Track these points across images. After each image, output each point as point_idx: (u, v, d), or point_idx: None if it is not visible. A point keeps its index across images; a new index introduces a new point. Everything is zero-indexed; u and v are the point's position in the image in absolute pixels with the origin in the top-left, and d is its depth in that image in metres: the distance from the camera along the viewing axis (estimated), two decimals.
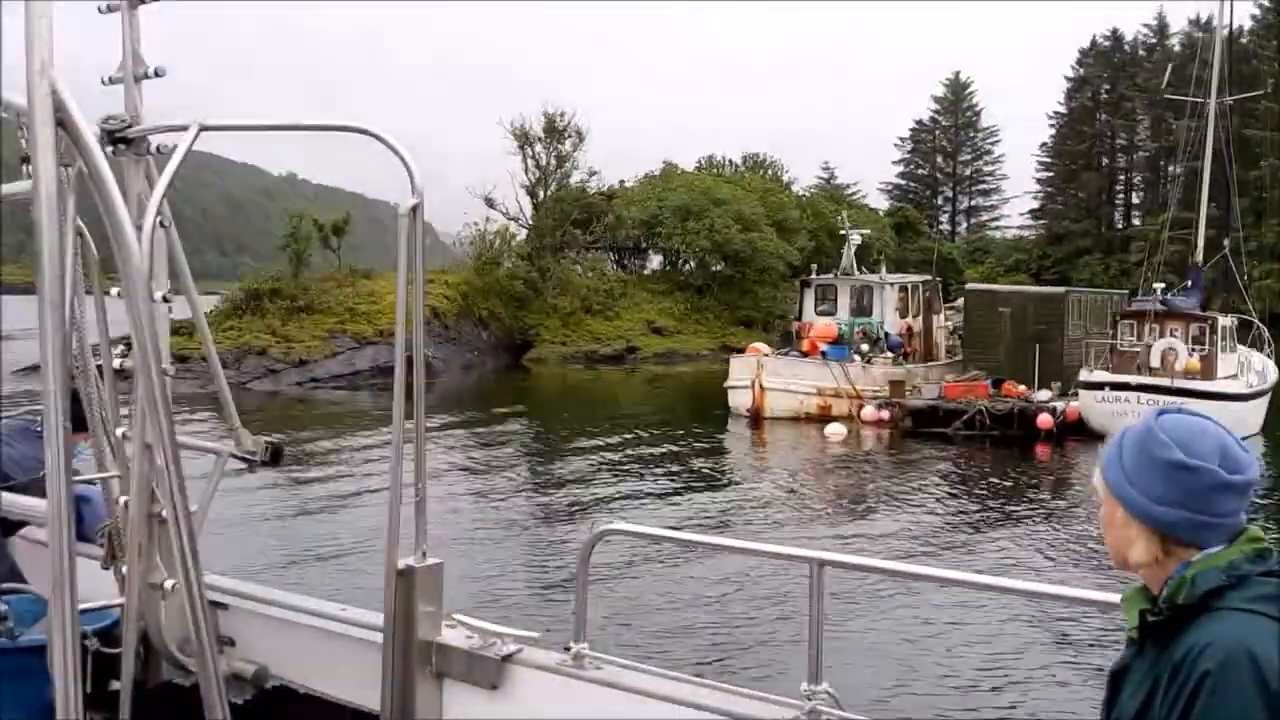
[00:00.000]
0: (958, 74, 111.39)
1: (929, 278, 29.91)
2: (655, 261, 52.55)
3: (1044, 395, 21.35)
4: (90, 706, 2.68)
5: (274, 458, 3.56)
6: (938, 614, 9.90)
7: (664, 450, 20.51)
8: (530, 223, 42.48)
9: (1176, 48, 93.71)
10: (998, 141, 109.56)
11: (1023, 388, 21.59)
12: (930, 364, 25.97)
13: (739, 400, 23.10)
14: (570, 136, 43.43)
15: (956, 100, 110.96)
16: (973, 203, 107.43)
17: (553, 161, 43.58)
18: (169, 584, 3.29)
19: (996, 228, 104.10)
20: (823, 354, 23.68)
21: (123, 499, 3.34)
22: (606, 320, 42.53)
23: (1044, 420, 19.95)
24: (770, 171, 58.75)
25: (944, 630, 9.52)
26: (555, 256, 42.12)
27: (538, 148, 43.23)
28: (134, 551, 3.24)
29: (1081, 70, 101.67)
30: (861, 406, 22.12)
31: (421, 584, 3.36)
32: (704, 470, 18.76)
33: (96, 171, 2.19)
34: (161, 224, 2.95)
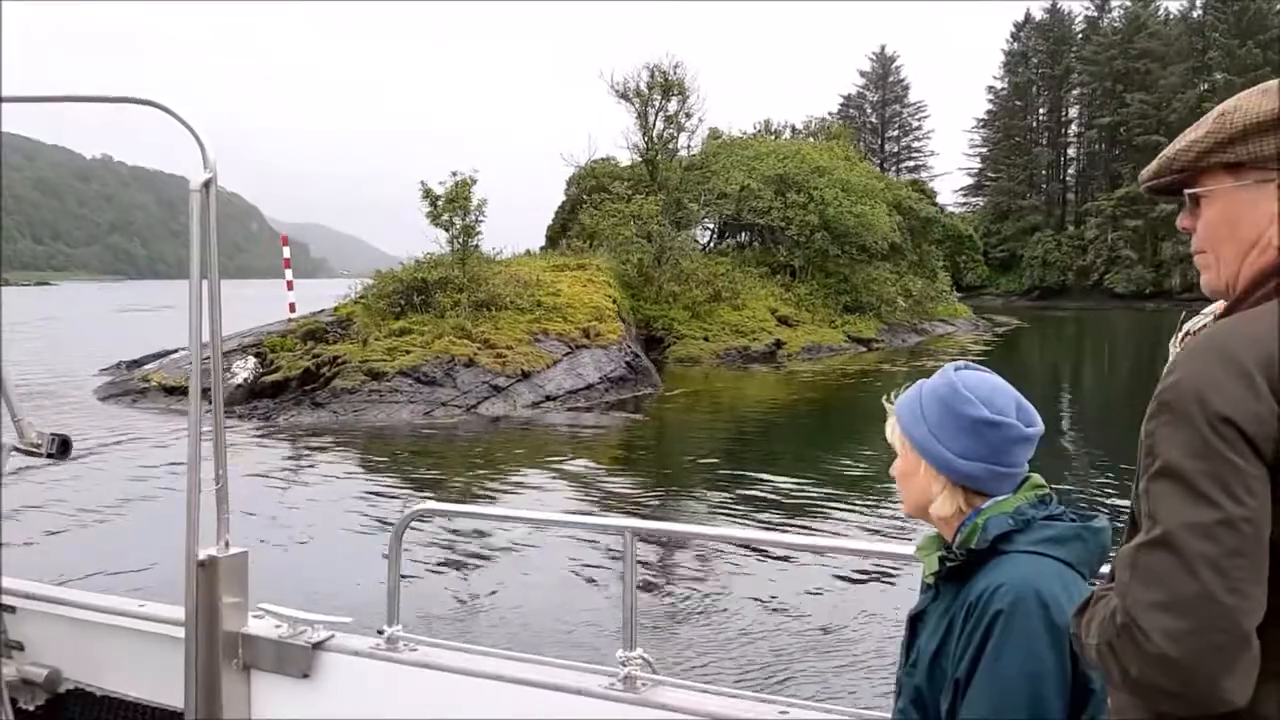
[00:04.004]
0: (883, 48, 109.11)
1: None
2: (702, 238, 45.97)
3: None
4: None
5: (61, 450, 3.36)
6: (753, 577, 9.88)
7: None
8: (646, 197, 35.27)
9: (1118, 22, 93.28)
10: (926, 117, 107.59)
11: None
12: None
13: None
14: (676, 94, 36.76)
15: (884, 74, 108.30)
16: (900, 180, 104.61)
17: (658, 123, 36.83)
18: None
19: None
20: None
21: None
22: (735, 310, 36.19)
23: None
24: (840, 140, 53.26)
25: (759, 592, 9.45)
26: (675, 236, 35.34)
27: (642, 106, 36.41)
28: None
29: (1016, 44, 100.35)
30: None
31: (225, 574, 3.25)
32: None
33: None
34: None
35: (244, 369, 22.46)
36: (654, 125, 36.57)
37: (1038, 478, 1.96)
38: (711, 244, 44.02)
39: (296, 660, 3.35)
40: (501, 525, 11.34)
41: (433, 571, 10.06)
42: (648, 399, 23.77)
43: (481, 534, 11.35)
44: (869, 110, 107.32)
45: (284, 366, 22.15)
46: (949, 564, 1.90)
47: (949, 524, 1.95)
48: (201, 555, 3.21)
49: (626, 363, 24.62)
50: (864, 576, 9.80)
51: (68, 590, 3.86)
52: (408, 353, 22.05)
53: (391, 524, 11.80)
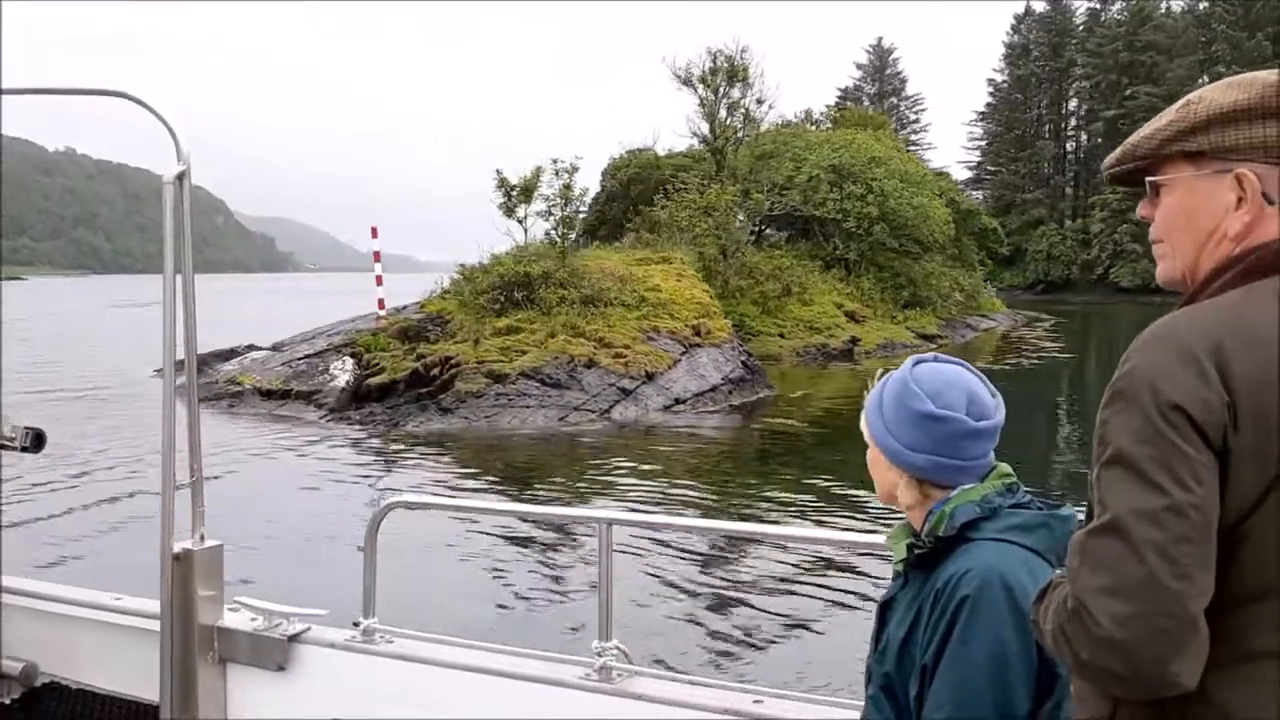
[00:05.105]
0: (880, 40, 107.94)
1: None
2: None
3: None
4: None
5: (35, 443, 3.40)
6: (732, 568, 9.87)
7: None
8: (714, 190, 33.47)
9: (1120, 15, 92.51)
10: (924, 110, 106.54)
11: None
12: None
13: None
14: (740, 80, 35.14)
15: (881, 67, 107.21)
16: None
17: (723, 110, 35.17)
18: None
19: None
20: None
21: None
22: (804, 305, 34.65)
23: None
24: (885, 129, 51.84)
25: (737, 582, 9.45)
26: (738, 228, 33.63)
27: (705, 93, 34.69)
28: None
29: (1017, 37, 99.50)
30: None
31: (200, 568, 3.25)
32: None
33: None
34: None
35: (343, 371, 20.76)
36: (719, 112, 34.85)
37: (1005, 467, 1.95)
38: (752, 237, 42.51)
39: (272, 653, 3.31)
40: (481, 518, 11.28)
41: (413, 564, 9.71)
42: (769, 401, 22.22)
43: (475, 526, 11.16)
44: (866, 103, 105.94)
45: (388, 368, 20.42)
46: (917, 551, 1.90)
47: (916, 513, 1.96)
48: (176, 549, 3.18)
49: (742, 362, 23.08)
50: (841, 565, 9.74)
51: (43, 584, 3.78)
52: (523, 353, 20.37)
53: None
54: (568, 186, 23.11)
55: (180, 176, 3.04)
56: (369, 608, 3.32)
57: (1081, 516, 1.82)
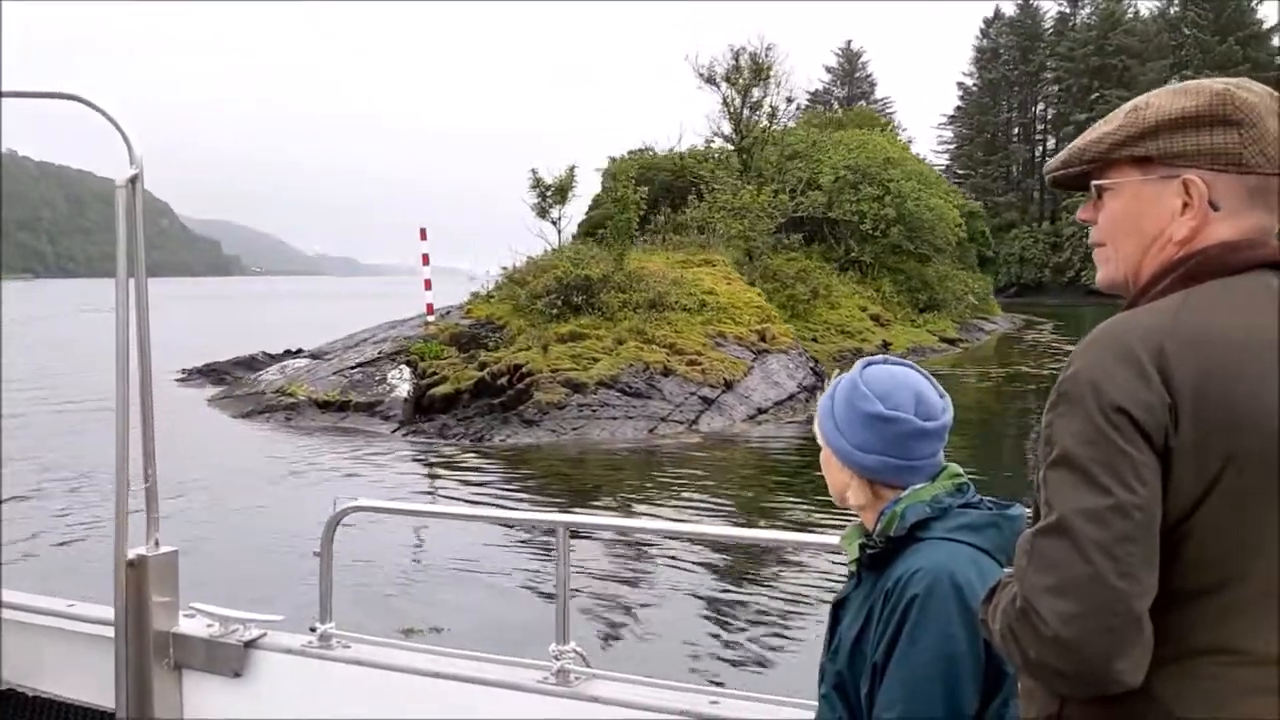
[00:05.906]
0: (849, 43, 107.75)
1: None
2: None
3: None
4: None
5: None
6: (689, 570, 9.80)
7: None
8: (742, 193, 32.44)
9: (1092, 19, 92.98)
10: (894, 112, 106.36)
11: None
12: None
13: None
14: (764, 79, 34.20)
15: (850, 70, 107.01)
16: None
17: (745, 110, 34.21)
18: None
19: None
20: None
21: None
22: (831, 309, 33.82)
23: None
24: (888, 130, 51.16)
25: (694, 584, 9.39)
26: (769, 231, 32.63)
27: (731, 92, 33.72)
28: None
29: (986, 41, 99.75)
30: None
31: (155, 574, 3.22)
32: None
33: None
34: None
35: (401, 380, 19.54)
36: (743, 111, 33.93)
37: (955, 467, 1.94)
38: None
39: (228, 659, 3.30)
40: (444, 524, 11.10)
41: (370, 569, 9.65)
42: None
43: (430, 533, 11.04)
44: (835, 106, 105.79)
45: (450, 377, 19.23)
46: (869, 551, 1.90)
47: (868, 513, 1.97)
48: (131, 555, 3.17)
49: (811, 369, 22.14)
50: (796, 567, 9.75)
51: None
52: (595, 360, 19.27)
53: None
54: (624, 187, 21.99)
55: (133, 180, 3.02)
56: (326, 613, 3.29)
57: (1014, 511, 1.92)
